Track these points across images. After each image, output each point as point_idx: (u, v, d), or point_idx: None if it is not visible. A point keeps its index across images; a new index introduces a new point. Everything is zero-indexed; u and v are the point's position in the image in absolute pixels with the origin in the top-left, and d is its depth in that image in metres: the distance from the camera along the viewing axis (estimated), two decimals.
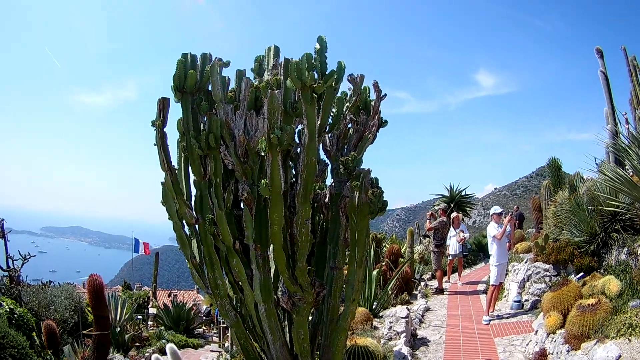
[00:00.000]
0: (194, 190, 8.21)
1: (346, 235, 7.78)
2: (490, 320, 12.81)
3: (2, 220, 15.45)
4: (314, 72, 6.90)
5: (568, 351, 7.49)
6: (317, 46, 7.14)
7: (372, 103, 8.60)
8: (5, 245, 15.43)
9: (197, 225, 7.98)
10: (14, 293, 13.71)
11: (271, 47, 8.71)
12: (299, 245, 7.10)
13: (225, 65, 8.02)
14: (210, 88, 8.04)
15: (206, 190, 7.80)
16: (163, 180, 7.98)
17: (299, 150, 7.68)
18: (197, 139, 7.58)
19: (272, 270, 7.90)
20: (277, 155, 6.68)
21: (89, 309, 13.99)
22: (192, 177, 8.13)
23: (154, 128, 7.91)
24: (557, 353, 7.98)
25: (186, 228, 8.29)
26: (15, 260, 15.28)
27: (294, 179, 7.79)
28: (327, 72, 7.02)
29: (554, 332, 8.51)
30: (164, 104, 7.97)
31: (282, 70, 7.61)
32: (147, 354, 14.99)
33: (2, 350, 7.41)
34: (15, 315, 10.11)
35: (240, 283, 7.97)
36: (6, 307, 10.14)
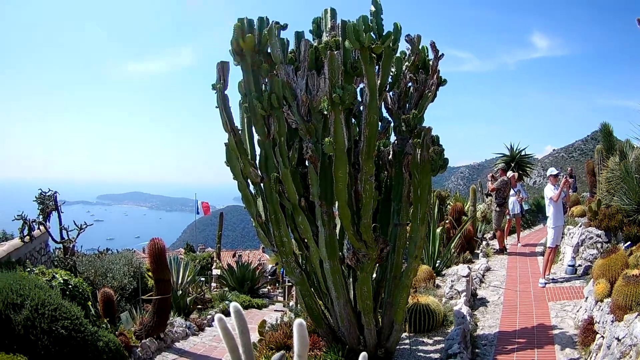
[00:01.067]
0: (257, 150, 8.29)
1: (409, 192, 7.86)
2: (545, 284, 12.64)
3: (55, 192, 15.63)
4: (372, 34, 6.93)
5: (612, 321, 7.31)
6: (373, 8, 7.20)
7: (430, 62, 8.55)
8: (59, 217, 15.48)
9: (262, 184, 8.10)
10: (69, 264, 13.92)
11: (328, 10, 8.68)
12: (363, 201, 7.20)
13: (283, 28, 8.07)
14: (269, 50, 8.11)
15: (270, 149, 7.87)
16: (227, 142, 8.07)
17: (361, 108, 7.69)
18: (259, 99, 7.64)
19: (337, 227, 7.97)
20: (339, 114, 6.77)
21: (149, 273, 14.07)
22: (255, 137, 8.22)
23: (215, 91, 8.00)
24: (602, 322, 7.79)
25: (251, 187, 8.40)
26: (70, 231, 15.24)
27: (357, 137, 7.85)
28: (384, 34, 7.07)
29: (601, 301, 8.30)
30: (223, 68, 8.05)
31: (340, 32, 7.69)
32: (208, 316, 15.07)
33: (54, 323, 7.46)
34: (70, 286, 9.99)
35: (305, 240, 8.05)
36: (60, 278, 10.00)
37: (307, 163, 7.92)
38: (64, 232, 15.12)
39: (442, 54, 8.55)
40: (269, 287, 27.71)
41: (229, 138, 8.03)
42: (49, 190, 15.51)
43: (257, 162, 8.25)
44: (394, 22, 7.59)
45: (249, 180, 8.27)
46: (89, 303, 10.01)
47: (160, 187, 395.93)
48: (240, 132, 8.24)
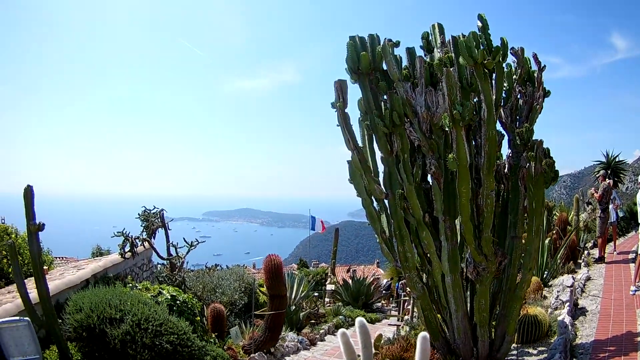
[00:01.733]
0: (380, 167, 8.39)
1: (524, 204, 7.91)
2: (636, 291, 12.28)
3: (162, 210, 15.77)
4: (482, 49, 7.06)
5: None
6: (479, 24, 7.37)
7: (535, 74, 8.62)
8: (166, 234, 15.67)
9: (386, 200, 8.23)
10: (177, 280, 14.08)
11: (435, 25, 8.75)
12: (485, 215, 7.29)
13: (396, 45, 8.20)
14: (385, 67, 8.23)
15: (394, 166, 7.99)
16: (350, 159, 8.23)
17: (479, 123, 7.78)
18: (381, 117, 7.79)
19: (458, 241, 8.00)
20: (460, 130, 6.86)
21: (261, 289, 14.21)
22: (377, 154, 8.35)
23: (335, 110, 8.17)
24: None
25: (374, 203, 8.48)
26: (180, 247, 15.32)
27: (474, 151, 7.90)
28: (493, 49, 7.22)
29: None
30: (341, 86, 8.21)
31: (451, 48, 7.77)
32: (321, 331, 15.20)
33: (158, 337, 7.64)
34: (178, 302, 10.28)
35: (428, 255, 8.12)
36: (167, 294, 10.31)
37: (429, 179, 8.06)
38: (172, 248, 15.27)
39: (545, 66, 8.63)
40: (383, 302, 27.61)
41: (352, 156, 8.19)
42: (154, 207, 15.72)
43: (381, 178, 8.36)
44: (500, 36, 7.69)
45: (372, 197, 8.37)
46: (198, 318, 10.30)
47: (271, 203, 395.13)
48: (361, 149, 8.34)
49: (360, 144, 8.41)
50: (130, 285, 10.90)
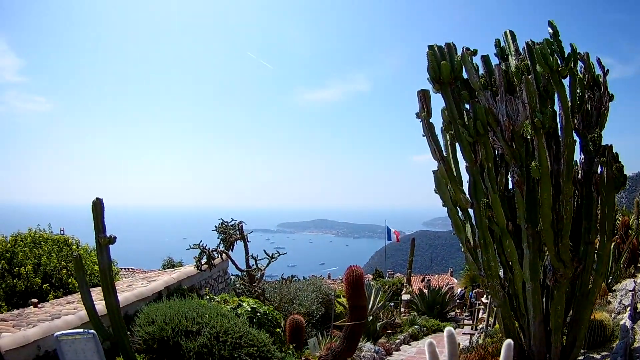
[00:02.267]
0: (464, 176, 8.43)
1: (597, 209, 7.91)
2: None
3: (241, 222, 15.76)
4: (556, 56, 7.16)
5: None
6: (550, 30, 7.45)
7: (600, 78, 8.60)
8: (245, 246, 15.55)
9: (471, 210, 8.31)
10: (256, 292, 14.01)
11: (507, 32, 8.80)
12: (563, 222, 7.34)
13: (474, 54, 8.28)
14: (465, 76, 8.37)
15: (478, 175, 8.05)
16: (436, 169, 8.32)
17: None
18: (465, 126, 7.86)
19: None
20: (542, 138, 6.95)
21: (338, 299, 14.25)
22: (460, 163, 8.45)
23: (420, 120, 8.27)
24: None
25: (459, 213, 8.52)
26: (260, 260, 15.13)
27: (551, 158, 7.88)
28: (565, 56, 7.33)
29: None
30: (424, 96, 8.29)
31: (526, 55, 7.80)
32: (397, 341, 15.21)
33: (237, 350, 7.67)
34: (258, 314, 10.35)
35: (510, 263, 8.15)
36: (247, 306, 10.37)
37: (510, 187, 8.21)
38: (252, 260, 15.24)
39: (608, 70, 8.61)
40: (457, 311, 27.47)
41: (438, 166, 8.27)
42: (232, 219, 15.71)
43: (465, 187, 8.39)
44: (569, 42, 7.69)
45: (458, 207, 8.43)
46: (278, 330, 10.36)
47: (346, 214, 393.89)
48: (446, 158, 8.42)
49: (444, 153, 8.48)
50: (208, 297, 11.00)
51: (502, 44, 8.86)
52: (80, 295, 8.21)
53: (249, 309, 10.31)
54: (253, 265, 15.12)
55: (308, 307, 15.07)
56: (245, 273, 15.20)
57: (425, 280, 33.14)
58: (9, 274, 18.01)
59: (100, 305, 7.96)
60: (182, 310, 8.25)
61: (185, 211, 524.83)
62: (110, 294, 7.51)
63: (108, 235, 7.46)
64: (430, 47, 8.36)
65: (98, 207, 7.38)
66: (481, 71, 8.57)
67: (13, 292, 17.61)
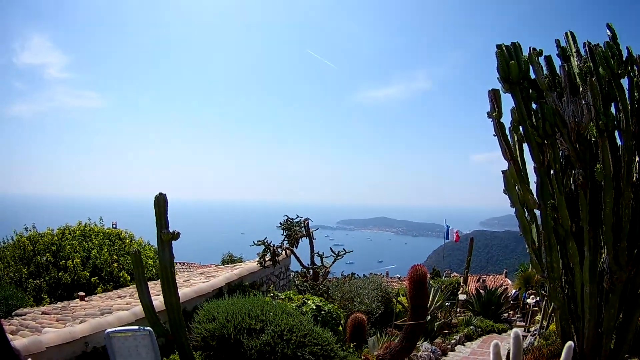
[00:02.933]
0: (531, 177, 8.39)
1: None
2: None
3: (307, 219, 15.58)
4: (616, 59, 7.17)
5: None
6: (609, 33, 7.48)
7: None
8: (311, 243, 15.37)
9: (537, 211, 8.27)
10: (320, 289, 13.83)
11: (568, 33, 8.68)
12: (622, 225, 7.31)
13: (539, 55, 8.25)
14: (533, 76, 8.32)
15: (545, 176, 8.00)
16: (506, 170, 8.29)
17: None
18: (534, 127, 7.84)
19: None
20: (605, 140, 6.98)
21: (399, 298, 14.16)
22: (528, 164, 8.39)
23: (491, 119, 8.26)
24: None
25: (526, 214, 8.47)
26: (326, 257, 14.92)
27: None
28: (624, 59, 7.30)
29: None
30: (495, 95, 8.30)
31: (588, 57, 7.80)
32: (452, 341, 15.16)
33: (301, 349, 7.46)
34: (323, 312, 10.23)
35: (571, 265, 8.08)
36: (312, 304, 10.29)
37: (573, 188, 8.07)
38: (318, 257, 15.08)
39: None
40: (510, 312, 27.19)
41: (508, 166, 8.26)
42: (297, 216, 15.55)
43: (535, 189, 8.32)
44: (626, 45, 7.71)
45: (525, 207, 8.38)
46: (340, 328, 10.33)
47: (406, 212, 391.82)
48: (516, 159, 8.38)
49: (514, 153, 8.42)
50: (272, 294, 11.00)
51: (563, 44, 8.72)
52: (136, 291, 8.18)
53: (314, 307, 10.29)
54: (318, 262, 15.00)
55: (368, 305, 14.99)
56: (309, 270, 15.05)
57: (481, 281, 32.86)
58: (54, 266, 18.29)
59: (157, 301, 7.94)
60: (246, 308, 8.10)
61: (244, 207, 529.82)
62: (170, 291, 7.41)
63: (172, 231, 7.30)
64: (499, 47, 8.38)
65: (161, 202, 7.31)
66: (544, 71, 8.47)
67: (57, 284, 17.87)
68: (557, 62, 8.55)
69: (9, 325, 10.31)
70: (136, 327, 6.67)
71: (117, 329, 6.69)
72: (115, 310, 9.71)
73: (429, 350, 12.69)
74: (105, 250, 19.18)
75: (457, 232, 37.76)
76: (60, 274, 17.79)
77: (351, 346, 10.05)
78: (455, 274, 38.91)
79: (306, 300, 10.51)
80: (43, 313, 11.66)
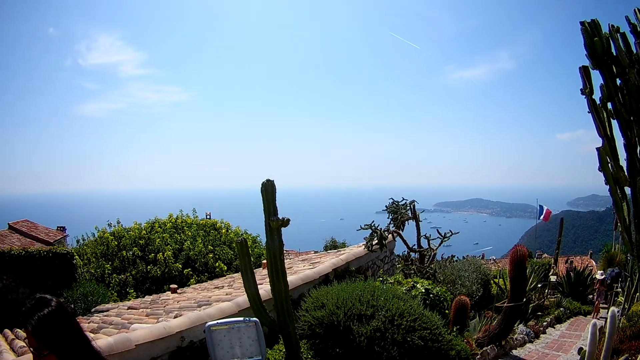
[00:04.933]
0: (622, 154, 8.35)
1: None
2: None
3: (414, 201, 15.64)
4: None
5: None
6: None
7: None
8: (417, 225, 15.56)
9: (629, 188, 8.20)
10: (427, 272, 14.03)
11: (636, 9, 8.44)
12: None
13: (617, 31, 8.18)
14: (614, 53, 8.21)
15: (634, 153, 7.96)
16: (600, 147, 8.25)
17: None
18: (622, 104, 7.77)
19: None
20: None
21: (495, 280, 14.09)
22: (618, 142, 8.36)
23: (584, 96, 8.23)
24: None
25: (618, 191, 8.47)
26: (432, 240, 15.23)
27: None
28: None
29: None
30: (585, 72, 8.27)
31: None
32: (544, 323, 14.96)
33: (410, 333, 7.44)
34: (431, 295, 10.16)
35: None
36: (421, 288, 10.27)
37: None
38: (425, 240, 15.23)
39: None
40: (594, 294, 26.79)
41: (602, 143, 8.22)
42: (403, 199, 15.62)
43: (624, 166, 8.28)
44: None
45: (617, 185, 8.38)
46: (447, 311, 10.35)
47: (499, 193, 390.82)
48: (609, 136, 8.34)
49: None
50: (382, 279, 10.95)
51: (633, 20, 8.62)
52: (233, 280, 8.25)
53: (423, 290, 10.30)
54: (425, 245, 15.12)
55: (469, 287, 15.00)
56: (416, 253, 15.31)
57: (569, 262, 32.36)
58: (141, 260, 18.92)
59: (262, 291, 7.91)
60: (356, 293, 8.14)
61: (340, 193, 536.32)
62: (279, 279, 7.41)
63: (281, 217, 7.26)
64: (582, 23, 8.42)
65: (269, 188, 7.28)
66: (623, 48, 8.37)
67: (145, 278, 18.50)
68: (631, 39, 8.42)
69: (89, 322, 10.51)
70: (241, 319, 6.59)
71: (219, 321, 6.55)
72: (214, 301, 9.88)
73: (524, 332, 12.61)
74: (200, 241, 19.59)
75: (549, 211, 37.08)
76: (149, 267, 18.41)
77: (454, 329, 9.91)
78: (545, 255, 38.43)
79: (415, 284, 10.56)
80: (129, 308, 11.86)
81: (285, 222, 7.28)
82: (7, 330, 10.93)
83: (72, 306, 14.15)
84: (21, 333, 10.13)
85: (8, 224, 35.04)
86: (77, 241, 23.56)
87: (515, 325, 12.39)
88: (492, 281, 15.93)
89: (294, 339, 7.59)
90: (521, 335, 12.32)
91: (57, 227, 39.32)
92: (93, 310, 13.63)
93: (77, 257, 17.80)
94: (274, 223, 7.22)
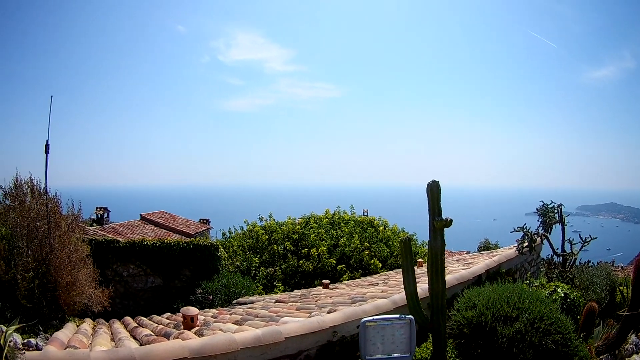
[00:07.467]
0: None
1: None
2: None
3: (560, 204, 15.37)
4: None
5: None
6: None
7: None
8: (563, 229, 15.20)
9: None
10: (567, 277, 13.98)
11: None
12: None
13: None
14: None
15: None
16: None
17: None
18: None
19: None
20: None
21: (620, 288, 14.37)
22: None
23: None
24: None
25: None
26: (575, 244, 14.84)
27: None
28: None
29: None
30: None
31: None
32: None
33: (546, 337, 7.42)
34: (568, 300, 10.20)
35: None
36: (561, 292, 10.33)
37: None
38: (568, 244, 15.08)
39: None
40: None
41: None
42: (551, 202, 15.45)
43: None
44: None
45: None
46: (579, 317, 10.34)
47: (629, 197, 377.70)
48: None
49: None
50: (528, 282, 11.19)
51: None
52: (388, 277, 8.64)
53: (562, 295, 10.43)
54: (568, 249, 15.04)
55: (599, 294, 14.49)
56: (559, 257, 15.08)
57: None
58: (293, 255, 19.41)
59: (418, 289, 7.87)
60: (505, 295, 8.10)
61: (495, 193, 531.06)
62: (438, 278, 7.48)
63: (445, 218, 7.31)
64: None
65: (434, 189, 7.39)
66: None
67: (294, 272, 18.92)
68: None
69: (231, 314, 10.84)
70: (397, 316, 6.81)
71: (374, 317, 6.76)
72: (369, 298, 9.94)
73: (634, 342, 12.92)
74: (356, 237, 19.91)
75: None
76: (300, 261, 18.81)
77: (581, 336, 9.69)
78: None
79: (556, 288, 10.73)
80: (277, 301, 12.50)
81: (449, 223, 7.37)
82: (127, 318, 11.61)
83: (211, 297, 15.12)
84: (146, 321, 10.76)
85: (140, 214, 36.16)
86: (223, 234, 24.62)
87: (629, 335, 12.73)
88: (617, 288, 16.20)
89: (444, 338, 7.62)
90: (631, 346, 12.64)
91: (200, 219, 40.01)
92: (235, 302, 14.38)
93: (222, 249, 18.26)
94: (438, 223, 7.34)
